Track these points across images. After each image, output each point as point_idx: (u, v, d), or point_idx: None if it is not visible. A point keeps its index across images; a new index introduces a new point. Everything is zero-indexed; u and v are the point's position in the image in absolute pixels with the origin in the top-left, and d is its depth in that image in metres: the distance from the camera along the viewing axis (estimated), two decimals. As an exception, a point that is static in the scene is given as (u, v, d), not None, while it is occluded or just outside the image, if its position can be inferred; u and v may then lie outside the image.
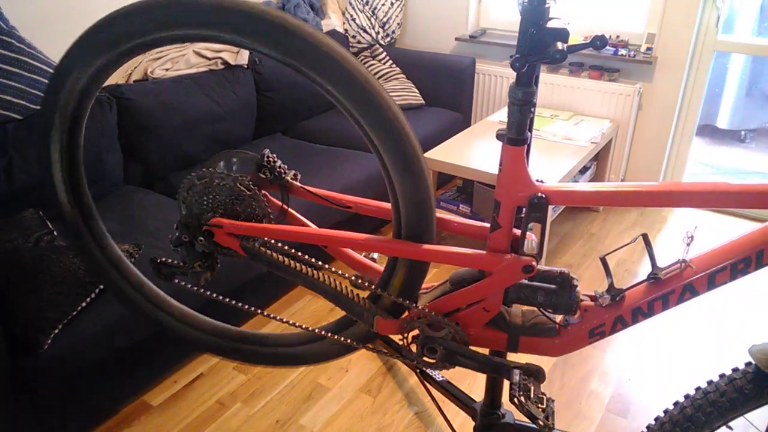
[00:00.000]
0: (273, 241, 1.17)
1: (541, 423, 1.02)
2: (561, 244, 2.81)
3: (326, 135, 2.96)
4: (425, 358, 1.13)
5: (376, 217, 1.20)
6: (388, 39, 3.62)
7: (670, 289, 0.98)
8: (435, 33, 3.62)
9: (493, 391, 1.37)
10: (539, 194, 0.98)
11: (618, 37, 3.07)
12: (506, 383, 1.72)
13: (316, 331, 1.22)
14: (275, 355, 1.32)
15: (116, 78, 2.58)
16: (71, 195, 1.23)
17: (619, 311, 1.03)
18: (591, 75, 3.12)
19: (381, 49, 3.45)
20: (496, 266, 1.03)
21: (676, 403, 1.05)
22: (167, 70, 2.61)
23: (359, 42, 3.51)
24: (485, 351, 1.21)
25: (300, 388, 1.96)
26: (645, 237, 0.99)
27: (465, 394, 1.56)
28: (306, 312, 2.33)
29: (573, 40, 0.91)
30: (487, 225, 1.07)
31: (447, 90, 3.34)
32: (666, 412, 1.06)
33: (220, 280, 1.95)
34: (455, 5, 3.48)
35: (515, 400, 1.04)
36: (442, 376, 1.64)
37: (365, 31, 3.50)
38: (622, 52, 3.00)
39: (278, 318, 1.22)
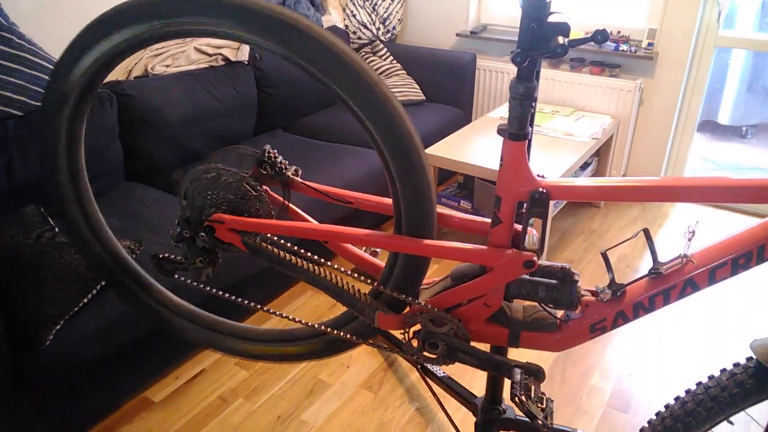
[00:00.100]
0: (274, 237, 1.17)
1: (540, 422, 1.03)
2: (562, 239, 2.81)
3: (327, 131, 2.96)
4: (426, 353, 1.14)
5: (377, 212, 1.20)
6: (389, 35, 3.62)
7: (671, 284, 0.98)
8: (435, 29, 3.61)
9: (494, 386, 1.37)
10: (540, 189, 0.98)
11: (619, 32, 3.07)
12: (506, 381, 1.72)
13: (318, 327, 1.22)
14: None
15: (117, 74, 2.58)
16: (73, 192, 1.23)
17: (621, 306, 1.03)
18: (592, 71, 3.11)
19: (381, 45, 3.45)
20: (497, 261, 1.03)
21: (677, 398, 1.05)
22: (168, 66, 2.61)
23: (360, 38, 3.50)
24: (486, 347, 1.21)
25: (301, 384, 1.97)
26: (646, 232, 0.99)
27: (466, 390, 1.56)
28: (307, 308, 2.33)
29: (574, 35, 0.91)
30: (488, 220, 1.07)
31: (448, 86, 3.34)
32: (667, 407, 1.07)
33: (221, 276, 1.96)
34: (456, 1, 3.47)
35: (516, 398, 1.04)
36: (443, 372, 1.64)
37: (366, 27, 3.49)
38: (623, 47, 2.99)
39: (279, 314, 1.22)
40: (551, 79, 3.17)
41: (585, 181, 0.99)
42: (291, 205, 1.25)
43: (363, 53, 3.46)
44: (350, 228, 1.11)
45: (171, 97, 2.47)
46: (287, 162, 1.24)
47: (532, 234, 1.03)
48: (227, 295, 1.25)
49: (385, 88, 0.93)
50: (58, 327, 1.58)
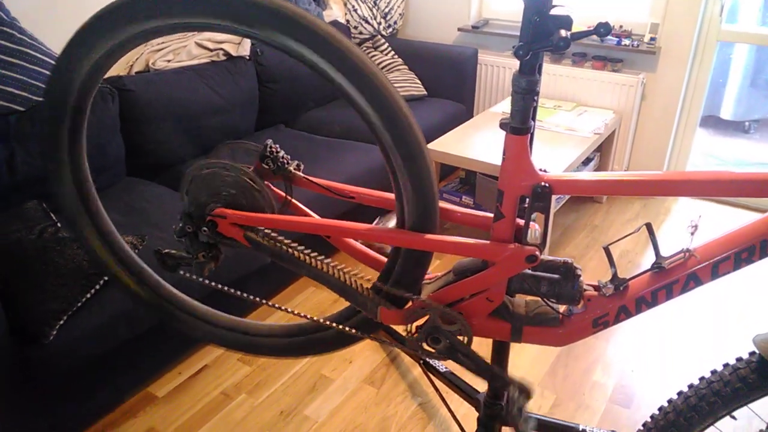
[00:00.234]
0: (276, 232, 1.17)
1: None
2: (564, 235, 2.81)
3: (328, 126, 2.95)
4: (425, 346, 1.14)
5: (379, 207, 1.20)
6: (390, 30, 3.61)
7: (674, 278, 0.98)
8: (437, 23, 3.60)
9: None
10: (543, 183, 0.98)
11: (621, 27, 3.06)
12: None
13: (321, 321, 1.22)
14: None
15: (118, 69, 2.58)
16: (76, 190, 1.24)
17: (623, 301, 1.02)
18: (594, 65, 3.10)
19: (383, 40, 3.44)
20: (500, 256, 1.03)
21: (679, 393, 1.05)
22: (169, 61, 2.61)
23: (361, 33, 3.49)
24: (488, 343, 1.21)
25: (304, 379, 1.97)
26: (649, 226, 0.99)
27: (468, 385, 1.56)
28: (309, 303, 2.34)
29: (576, 29, 0.90)
30: (490, 215, 1.07)
31: (449, 81, 3.33)
32: (670, 402, 1.07)
33: (223, 272, 1.96)
34: (457, -4, 3.47)
35: (509, 413, 1.05)
36: (446, 367, 1.64)
37: (367, 21, 3.48)
38: (626, 42, 2.99)
39: (282, 308, 1.22)
40: (553, 74, 3.16)
41: (587, 175, 0.99)
42: (293, 200, 1.25)
43: (364, 48, 3.45)
44: (352, 223, 1.11)
45: (172, 92, 2.47)
46: (289, 157, 1.24)
47: (535, 229, 1.03)
48: (232, 290, 1.25)
49: (385, 79, 0.93)
50: (62, 322, 1.58)
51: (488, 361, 1.16)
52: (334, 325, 1.22)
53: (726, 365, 1.01)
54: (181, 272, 1.29)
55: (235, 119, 2.74)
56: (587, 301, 1.06)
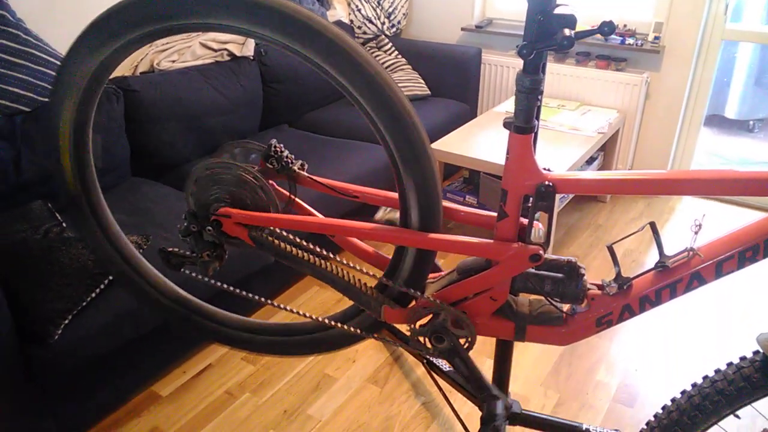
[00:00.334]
0: (281, 231, 1.18)
1: None
2: (568, 235, 2.80)
3: (332, 126, 2.96)
4: (426, 342, 1.14)
5: (383, 206, 1.20)
6: (394, 29, 3.61)
7: (677, 277, 0.98)
8: (441, 23, 3.60)
9: (500, 381, 1.37)
10: (546, 183, 0.98)
11: (625, 26, 3.05)
12: (512, 375, 1.73)
13: (324, 321, 1.23)
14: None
15: (123, 70, 2.59)
16: (81, 189, 1.24)
17: (627, 300, 1.02)
18: (598, 65, 3.10)
19: (386, 40, 3.44)
20: (504, 255, 1.03)
21: (683, 392, 1.05)
22: (173, 61, 2.61)
23: (365, 33, 3.50)
24: (492, 342, 1.22)
25: (308, 378, 1.97)
26: (653, 225, 0.99)
27: (472, 384, 1.56)
28: (313, 303, 2.34)
29: (580, 29, 0.90)
30: (494, 214, 1.07)
31: (453, 81, 3.33)
32: (673, 401, 1.06)
33: (228, 271, 1.97)
34: (461, -5, 3.47)
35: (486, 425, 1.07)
36: (449, 367, 1.65)
37: (371, 21, 3.48)
38: (630, 41, 2.98)
39: (286, 308, 1.23)
40: (557, 73, 3.16)
41: (591, 174, 0.99)
42: (297, 199, 1.25)
43: (368, 48, 3.46)
44: (356, 222, 1.11)
45: (177, 92, 2.47)
46: (293, 156, 1.24)
47: (538, 228, 1.03)
48: (235, 289, 1.25)
49: (393, 83, 0.93)
50: (66, 322, 1.59)
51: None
52: (338, 324, 1.22)
53: (730, 364, 1.01)
54: (186, 271, 1.30)
55: (239, 119, 2.75)
56: (591, 300, 1.06)
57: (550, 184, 0.98)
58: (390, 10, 3.54)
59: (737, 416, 1.02)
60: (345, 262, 1.10)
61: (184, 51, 2.65)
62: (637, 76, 2.96)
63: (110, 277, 1.69)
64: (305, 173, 1.24)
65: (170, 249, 1.28)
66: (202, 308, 1.41)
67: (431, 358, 1.57)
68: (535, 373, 1.97)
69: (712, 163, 3.79)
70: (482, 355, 2.02)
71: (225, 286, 1.26)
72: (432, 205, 1.03)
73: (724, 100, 4.13)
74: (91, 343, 1.63)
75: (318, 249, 1.14)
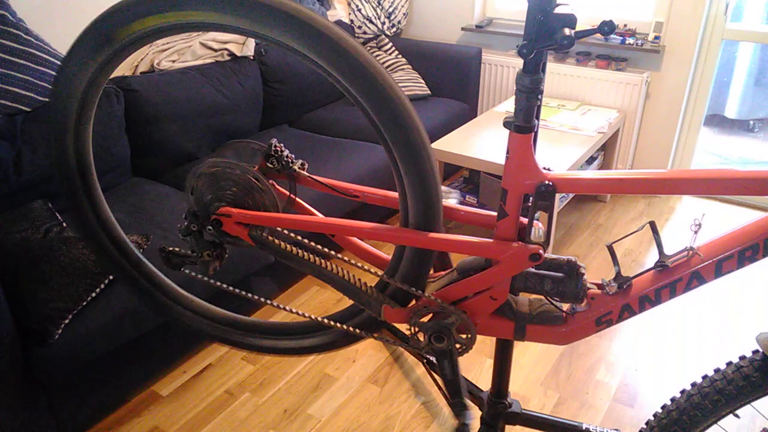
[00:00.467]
0: (281, 230, 1.18)
1: None
2: (567, 234, 2.81)
3: (333, 126, 2.96)
4: (421, 337, 1.14)
5: (383, 206, 1.21)
6: (394, 29, 3.61)
7: (677, 276, 0.98)
8: (441, 23, 3.60)
9: (500, 380, 1.37)
10: (546, 182, 0.98)
11: (625, 25, 3.05)
12: (512, 375, 1.73)
13: (324, 321, 1.23)
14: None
15: (123, 70, 2.59)
16: (82, 188, 1.24)
17: (627, 299, 1.03)
18: (598, 64, 3.10)
19: (387, 40, 3.44)
20: (504, 254, 1.03)
21: (683, 392, 1.05)
22: (174, 61, 2.62)
23: (365, 32, 3.50)
24: (492, 341, 1.22)
25: (308, 378, 1.97)
26: (652, 224, 0.99)
27: (472, 384, 1.56)
28: (313, 303, 2.34)
29: (580, 28, 0.91)
30: (494, 214, 1.07)
31: (453, 80, 3.33)
32: (673, 400, 1.07)
33: (228, 271, 1.97)
34: (461, -5, 3.47)
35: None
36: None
37: (371, 21, 3.49)
38: (630, 41, 2.98)
39: (286, 308, 1.23)
40: (557, 73, 3.16)
41: (591, 173, 0.99)
42: (297, 198, 1.25)
43: (368, 48, 3.46)
44: (356, 221, 1.11)
45: (177, 92, 2.47)
46: (293, 156, 1.24)
47: (538, 227, 1.03)
48: (235, 289, 1.25)
49: (393, 83, 0.93)
50: (67, 321, 1.59)
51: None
52: (337, 324, 1.22)
53: (729, 363, 1.01)
54: (186, 271, 1.30)
55: (240, 119, 2.75)
56: (591, 299, 1.06)
57: (550, 183, 0.98)
58: (390, 9, 3.55)
59: (737, 415, 1.02)
60: (346, 259, 1.10)
61: (185, 51, 2.66)
62: (637, 75, 2.97)
63: (111, 277, 1.70)
64: (305, 173, 1.24)
65: (170, 248, 1.28)
66: (200, 306, 1.41)
67: (431, 358, 1.57)
68: (535, 373, 1.97)
69: (713, 162, 3.79)
70: (482, 355, 2.02)
71: (223, 285, 1.26)
72: (432, 204, 1.03)
73: (724, 100, 4.13)
74: (91, 343, 1.64)
75: (318, 248, 1.14)
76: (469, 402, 1.18)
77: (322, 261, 1.15)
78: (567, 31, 0.85)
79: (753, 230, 0.94)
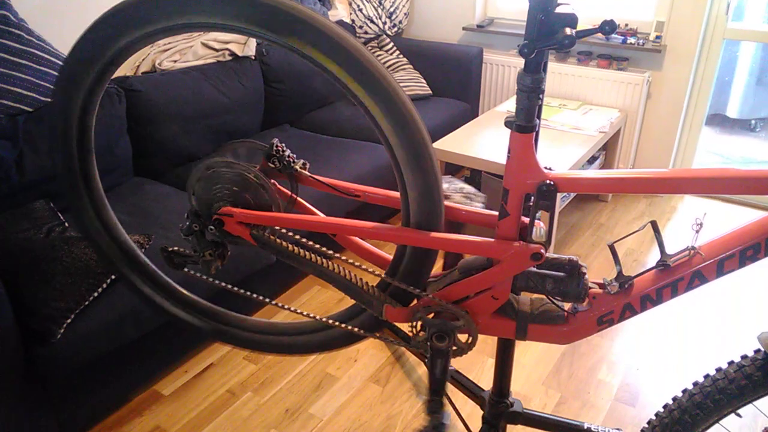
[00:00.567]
0: (283, 230, 1.18)
1: None
2: (569, 234, 2.80)
3: (334, 126, 2.96)
4: (422, 334, 1.14)
5: (385, 205, 1.21)
6: (395, 29, 3.61)
7: (679, 276, 0.98)
8: (442, 23, 3.60)
9: (501, 380, 1.37)
10: (548, 181, 0.98)
11: (627, 25, 3.05)
12: (513, 374, 1.73)
13: (325, 320, 1.23)
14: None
15: (125, 70, 2.59)
16: (85, 191, 1.25)
17: (628, 298, 1.02)
18: (599, 64, 3.10)
19: (388, 40, 3.44)
20: (505, 254, 1.03)
21: (684, 391, 1.05)
22: (175, 61, 2.62)
23: (366, 32, 3.50)
24: (493, 341, 1.22)
25: (309, 377, 1.98)
26: (654, 224, 0.99)
27: (473, 383, 1.56)
28: (314, 302, 2.34)
29: (581, 27, 0.91)
30: (495, 213, 1.07)
31: (454, 80, 3.33)
32: (675, 399, 1.07)
33: (229, 271, 1.97)
34: (462, -5, 3.47)
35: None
36: (451, 366, 1.64)
37: (372, 21, 3.49)
38: (631, 40, 2.98)
39: (288, 307, 1.23)
40: (558, 73, 3.16)
41: (593, 173, 0.99)
42: (299, 198, 1.25)
43: (369, 48, 3.46)
44: (358, 221, 1.11)
45: (179, 92, 2.48)
46: (295, 156, 1.24)
47: (540, 226, 1.03)
48: (237, 288, 1.26)
49: (395, 83, 0.94)
50: (69, 321, 1.60)
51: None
52: (339, 324, 1.22)
53: (731, 363, 1.01)
54: (188, 270, 1.30)
55: (241, 119, 2.75)
56: (592, 298, 1.06)
57: (552, 183, 0.98)
58: (391, 9, 3.55)
59: (738, 415, 1.02)
60: (346, 259, 1.11)
61: (186, 51, 2.66)
62: (638, 75, 2.96)
63: (112, 277, 1.70)
64: (307, 172, 1.24)
65: (172, 248, 1.28)
66: (208, 308, 1.41)
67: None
68: (536, 372, 1.97)
69: (714, 162, 3.79)
70: (483, 355, 2.03)
71: (226, 285, 1.26)
72: (433, 204, 1.03)
73: (725, 100, 4.13)
74: (93, 342, 1.64)
75: (320, 248, 1.14)
76: (445, 404, 1.18)
77: (324, 260, 1.15)
78: (568, 30, 0.85)
79: (754, 229, 0.94)
